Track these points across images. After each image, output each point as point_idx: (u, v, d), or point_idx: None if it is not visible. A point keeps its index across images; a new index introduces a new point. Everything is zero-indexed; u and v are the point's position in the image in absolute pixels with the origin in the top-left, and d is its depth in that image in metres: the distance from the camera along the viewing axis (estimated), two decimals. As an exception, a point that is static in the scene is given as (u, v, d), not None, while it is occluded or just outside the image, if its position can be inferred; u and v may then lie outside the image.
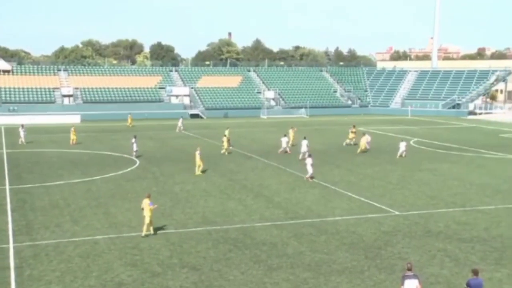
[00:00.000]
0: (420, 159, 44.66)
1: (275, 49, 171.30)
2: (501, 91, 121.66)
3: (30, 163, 42.59)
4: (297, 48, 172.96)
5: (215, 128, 69.67)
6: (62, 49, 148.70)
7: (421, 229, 25.09)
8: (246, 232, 24.47)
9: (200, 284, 18.63)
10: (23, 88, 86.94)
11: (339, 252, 21.88)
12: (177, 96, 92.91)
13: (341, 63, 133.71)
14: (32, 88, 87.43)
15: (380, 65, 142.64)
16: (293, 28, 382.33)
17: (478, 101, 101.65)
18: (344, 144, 52.50)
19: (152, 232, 23.84)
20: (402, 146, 45.97)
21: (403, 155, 45.64)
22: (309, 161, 36.08)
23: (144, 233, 23.66)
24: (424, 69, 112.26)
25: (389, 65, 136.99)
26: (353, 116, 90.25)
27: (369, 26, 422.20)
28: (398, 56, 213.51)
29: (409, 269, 15.80)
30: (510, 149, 51.41)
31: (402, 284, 15.59)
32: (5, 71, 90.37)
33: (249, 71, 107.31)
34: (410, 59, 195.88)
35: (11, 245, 22.51)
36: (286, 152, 47.50)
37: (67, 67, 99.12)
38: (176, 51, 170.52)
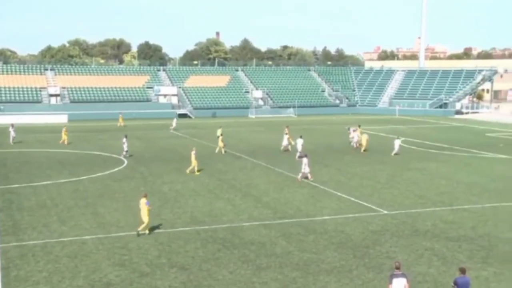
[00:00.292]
0: (408, 159, 44.81)
1: (263, 48, 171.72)
2: (487, 90, 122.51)
3: (18, 163, 42.26)
4: (285, 47, 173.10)
5: (203, 128, 69.59)
6: (49, 48, 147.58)
7: (409, 228, 25.17)
8: (234, 231, 24.42)
9: (189, 284, 18.58)
10: (9, 88, 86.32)
11: (328, 251, 21.90)
12: (165, 95, 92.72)
13: (329, 62, 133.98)
14: (18, 88, 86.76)
15: (367, 65, 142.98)
16: (281, 28, 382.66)
17: (465, 101, 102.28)
18: (354, 146, 50.78)
19: (147, 232, 23.79)
20: (397, 144, 46.51)
21: (398, 152, 46.20)
22: (304, 160, 36.01)
23: (139, 230, 23.56)
24: (411, 68, 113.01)
25: (377, 64, 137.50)
26: (341, 115, 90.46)
27: (356, 26, 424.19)
28: (385, 55, 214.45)
29: (397, 268, 15.82)
30: (497, 148, 51.76)
31: (390, 283, 15.59)
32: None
33: (237, 70, 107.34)
34: (398, 58, 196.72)
35: (-3, 245, 22.32)
36: (287, 150, 47.74)
37: (54, 66, 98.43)
38: (164, 50, 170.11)
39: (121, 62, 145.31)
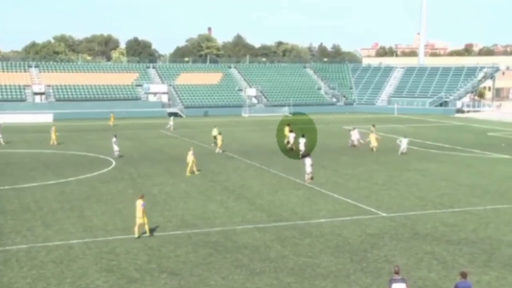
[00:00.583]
0: (408, 159, 44.36)
1: (257, 44, 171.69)
2: (489, 88, 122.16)
3: (0, 164, 41.50)
4: (279, 43, 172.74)
5: (194, 127, 69.15)
6: (33, 45, 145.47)
7: (408, 231, 24.77)
8: (227, 235, 24.01)
9: (179, 291, 18.18)
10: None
11: (324, 255, 21.53)
12: (155, 93, 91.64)
13: (325, 59, 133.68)
14: (1, 86, 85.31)
15: (365, 62, 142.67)
16: (275, 23, 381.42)
17: (466, 99, 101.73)
18: (373, 149, 48.50)
19: (136, 235, 23.38)
20: (404, 143, 46.31)
21: (404, 151, 46.03)
22: (308, 161, 35.41)
23: (143, 232, 23.48)
24: (410, 65, 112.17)
25: (375, 61, 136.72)
26: (338, 114, 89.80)
27: (354, 21, 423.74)
28: (384, 52, 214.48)
29: (397, 273, 15.64)
30: (499, 148, 51.32)
31: (389, 288, 15.37)
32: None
33: (230, 67, 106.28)
34: (396, 55, 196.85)
35: (-21, 250, 21.78)
36: (292, 149, 47.22)
37: (39, 63, 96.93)
38: (154, 46, 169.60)
39: (108, 59, 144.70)
